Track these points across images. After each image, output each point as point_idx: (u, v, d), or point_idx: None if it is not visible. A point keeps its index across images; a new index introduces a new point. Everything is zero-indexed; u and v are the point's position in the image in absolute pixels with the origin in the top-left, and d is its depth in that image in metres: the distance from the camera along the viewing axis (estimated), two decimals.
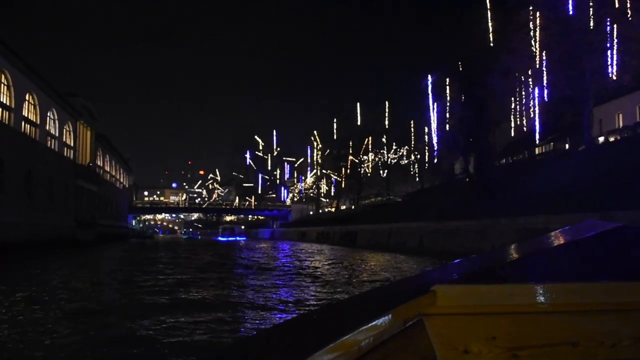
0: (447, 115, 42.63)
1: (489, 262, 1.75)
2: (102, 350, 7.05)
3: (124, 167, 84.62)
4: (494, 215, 26.97)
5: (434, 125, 44.21)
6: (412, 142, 69.97)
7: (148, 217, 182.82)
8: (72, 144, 49.05)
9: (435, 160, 47.34)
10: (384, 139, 76.53)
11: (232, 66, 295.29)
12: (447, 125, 42.76)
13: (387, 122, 76.91)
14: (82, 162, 53.02)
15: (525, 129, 41.59)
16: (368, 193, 78.35)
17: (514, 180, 31.22)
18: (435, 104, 44.01)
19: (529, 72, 35.23)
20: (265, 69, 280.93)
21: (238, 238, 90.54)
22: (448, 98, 43.04)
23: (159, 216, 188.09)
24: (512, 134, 41.89)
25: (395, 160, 73.70)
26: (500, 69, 32.29)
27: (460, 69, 36.89)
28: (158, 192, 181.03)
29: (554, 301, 1.33)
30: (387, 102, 77.91)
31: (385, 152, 75.51)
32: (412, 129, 69.50)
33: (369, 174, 78.69)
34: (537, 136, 36.60)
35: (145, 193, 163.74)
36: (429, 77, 44.45)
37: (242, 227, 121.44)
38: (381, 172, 76.82)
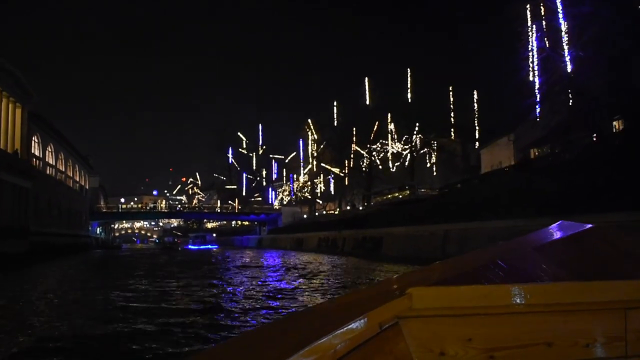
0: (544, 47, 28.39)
1: (465, 264, 1.68)
2: None
3: (81, 164, 70.20)
4: None
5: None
6: (452, 115, 55.20)
7: (126, 225, 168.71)
8: None
9: (538, 117, 32.55)
10: (391, 128, 62.75)
11: (216, 64, 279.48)
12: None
13: (409, 96, 61.03)
14: (3, 148, 38.88)
15: None
16: (380, 189, 64.23)
17: None
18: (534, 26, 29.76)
19: None
20: (251, 56, 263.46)
21: (210, 246, 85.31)
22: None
23: (137, 224, 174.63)
24: None
25: (421, 146, 58.70)
26: None
27: None
28: (135, 199, 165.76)
29: (529, 302, 1.33)
30: (409, 70, 62.67)
31: (393, 141, 61.06)
32: (452, 97, 55.22)
33: (379, 167, 64.29)
34: None
35: (122, 200, 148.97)
36: None
37: (214, 234, 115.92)
38: (391, 164, 62.85)
